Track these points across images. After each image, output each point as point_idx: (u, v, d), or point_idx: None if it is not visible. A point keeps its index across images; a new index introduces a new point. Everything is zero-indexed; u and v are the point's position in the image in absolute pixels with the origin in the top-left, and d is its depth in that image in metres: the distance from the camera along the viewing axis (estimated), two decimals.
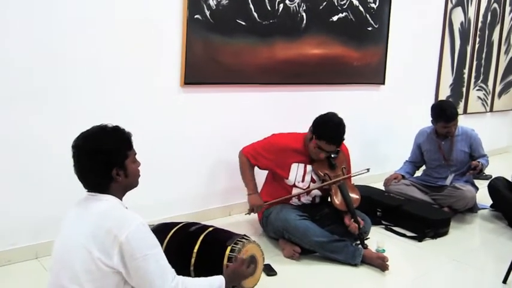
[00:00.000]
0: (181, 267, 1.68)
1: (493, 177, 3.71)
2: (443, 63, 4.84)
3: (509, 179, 3.59)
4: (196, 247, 2.01)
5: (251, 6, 3.09)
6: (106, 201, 1.54)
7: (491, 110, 5.78)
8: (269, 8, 3.19)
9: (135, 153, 1.64)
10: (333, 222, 2.73)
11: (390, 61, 4.18)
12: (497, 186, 3.48)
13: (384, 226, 3.20)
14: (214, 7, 2.91)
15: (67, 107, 2.48)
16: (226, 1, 2.96)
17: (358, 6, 3.80)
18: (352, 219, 2.66)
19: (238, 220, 3.18)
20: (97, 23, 2.51)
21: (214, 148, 3.14)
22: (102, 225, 1.46)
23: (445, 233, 3.12)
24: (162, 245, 1.87)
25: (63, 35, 2.42)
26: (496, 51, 5.64)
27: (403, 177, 3.65)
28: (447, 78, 4.97)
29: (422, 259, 2.77)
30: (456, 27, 4.91)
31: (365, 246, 2.62)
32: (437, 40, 4.75)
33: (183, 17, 2.80)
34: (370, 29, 3.95)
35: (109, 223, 1.47)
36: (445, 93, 4.95)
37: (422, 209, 3.23)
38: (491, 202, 3.61)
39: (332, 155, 2.78)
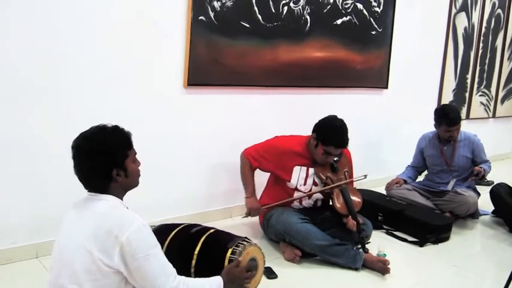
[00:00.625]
0: (182, 269, 1.68)
1: (494, 183, 3.71)
2: (446, 68, 4.84)
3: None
4: (197, 249, 2.00)
5: (255, 8, 3.09)
6: (106, 201, 1.54)
7: (493, 116, 5.78)
8: (273, 11, 3.19)
9: (135, 153, 1.63)
10: (334, 226, 2.73)
11: (393, 65, 4.18)
12: (499, 193, 3.47)
13: (385, 230, 3.19)
14: (219, 9, 2.91)
15: (67, 107, 2.47)
16: (231, 3, 2.96)
17: (362, 10, 3.80)
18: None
19: (239, 222, 3.17)
20: (99, 24, 2.51)
21: (216, 149, 3.14)
22: (103, 226, 1.46)
23: (446, 239, 3.11)
24: (163, 246, 1.88)
25: (65, 35, 2.41)
26: (499, 57, 5.64)
27: (405, 181, 3.64)
28: (450, 83, 4.96)
29: (423, 264, 2.76)
30: (460, 32, 4.90)
31: (366, 251, 2.61)
32: (440, 45, 4.75)
33: (187, 18, 2.80)
34: (373, 32, 3.95)
35: (109, 223, 1.47)
36: (447, 98, 4.95)
37: (424, 214, 3.22)
38: (492, 208, 3.60)
39: (334, 158, 2.77)
